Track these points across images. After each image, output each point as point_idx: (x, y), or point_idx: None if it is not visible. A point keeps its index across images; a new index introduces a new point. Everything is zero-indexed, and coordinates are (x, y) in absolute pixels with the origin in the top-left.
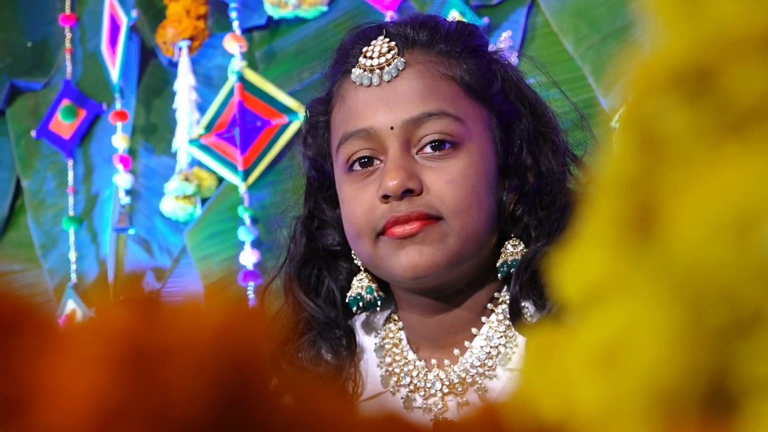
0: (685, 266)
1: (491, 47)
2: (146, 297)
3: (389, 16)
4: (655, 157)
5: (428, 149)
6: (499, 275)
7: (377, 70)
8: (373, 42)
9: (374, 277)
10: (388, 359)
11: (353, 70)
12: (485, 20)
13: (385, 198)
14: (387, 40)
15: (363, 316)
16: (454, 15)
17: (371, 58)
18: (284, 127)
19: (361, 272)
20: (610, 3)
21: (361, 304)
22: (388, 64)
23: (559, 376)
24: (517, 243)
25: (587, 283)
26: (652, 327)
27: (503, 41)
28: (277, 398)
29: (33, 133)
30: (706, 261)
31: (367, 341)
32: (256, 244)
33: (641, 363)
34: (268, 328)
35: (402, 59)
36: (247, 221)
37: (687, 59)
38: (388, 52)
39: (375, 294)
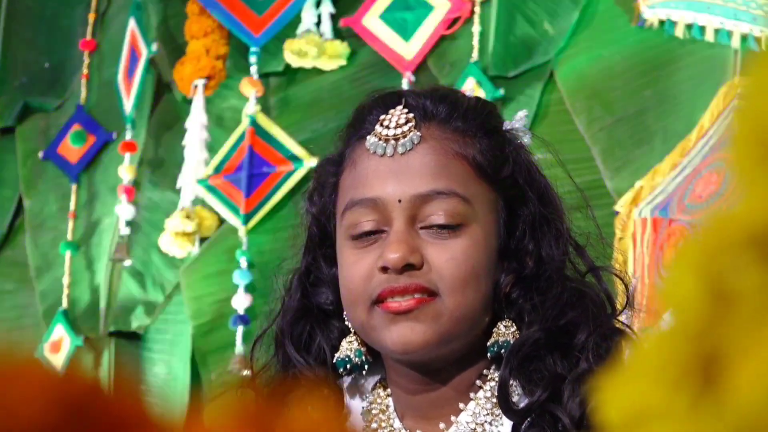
0: (746, 419)
1: (506, 125)
2: (259, 411)
3: (407, 76)
4: (726, 310)
5: (433, 226)
6: (488, 354)
7: (392, 141)
8: (392, 111)
9: (364, 341)
10: (374, 425)
11: (368, 137)
12: (501, 91)
13: (384, 269)
14: (405, 110)
15: (350, 378)
16: (470, 83)
17: (388, 127)
18: (289, 174)
19: (352, 334)
20: (626, 88)
21: (348, 366)
22: (404, 136)
23: None
24: (509, 324)
25: (630, 410)
26: None
27: (519, 120)
28: None
29: (40, 154)
30: (766, 419)
31: (353, 404)
32: (250, 288)
33: None
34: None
35: (418, 133)
36: (244, 265)
37: (766, 222)
38: (405, 123)
39: (363, 358)
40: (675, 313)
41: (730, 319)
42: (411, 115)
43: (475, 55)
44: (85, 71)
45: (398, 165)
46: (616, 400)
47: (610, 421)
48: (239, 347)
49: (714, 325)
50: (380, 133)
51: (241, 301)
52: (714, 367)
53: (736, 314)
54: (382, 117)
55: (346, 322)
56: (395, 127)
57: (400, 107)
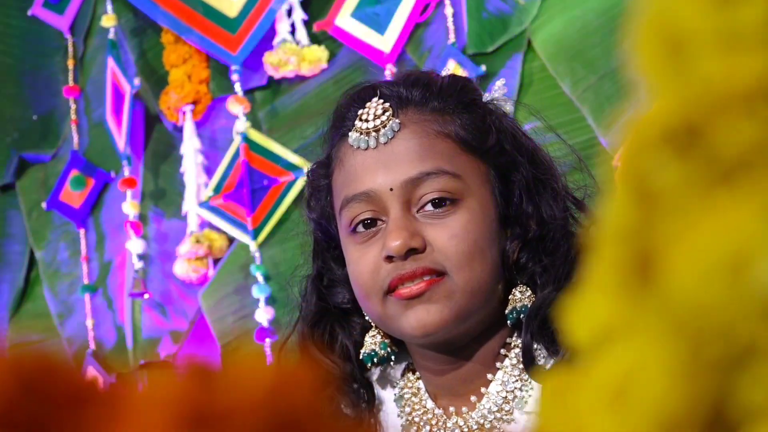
0: (683, 307)
1: (486, 97)
2: (200, 363)
3: (388, 69)
4: (651, 208)
5: (429, 207)
6: (508, 322)
7: (373, 133)
8: (368, 104)
9: (387, 333)
10: (407, 409)
11: (350, 133)
12: (482, 68)
13: (389, 258)
14: (381, 101)
15: (378, 371)
16: (451, 64)
17: (367, 120)
18: (291, 184)
19: (373, 328)
20: (604, 44)
21: (375, 359)
22: (384, 126)
23: (574, 416)
24: (524, 289)
25: (595, 326)
26: (656, 363)
27: (497, 90)
28: None
29: (44, 205)
30: (702, 301)
31: (384, 394)
32: (270, 301)
33: (648, 397)
34: (315, 382)
35: (397, 120)
36: (260, 279)
37: (676, 117)
38: (383, 113)
39: (389, 349)
40: (608, 220)
41: (657, 215)
42: (387, 104)
43: (451, 37)
44: (73, 117)
45: (384, 155)
46: (578, 321)
47: (580, 343)
48: (269, 360)
49: (643, 226)
50: (360, 127)
51: (263, 315)
52: (650, 264)
53: (661, 209)
54: (360, 112)
55: (366, 318)
56: (374, 119)
57: (376, 99)
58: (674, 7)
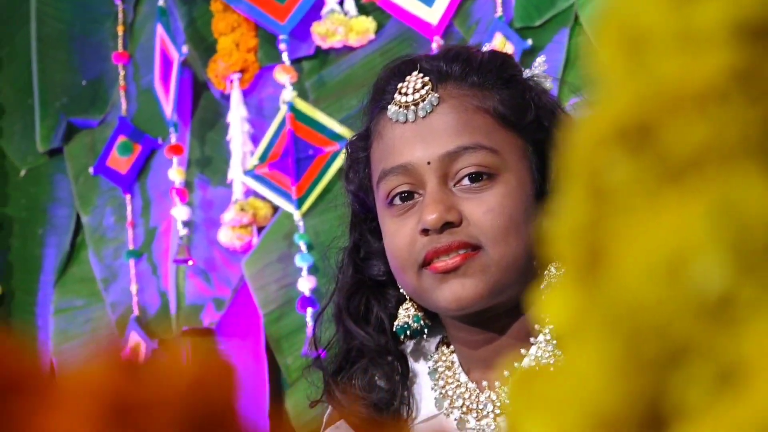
0: (622, 304)
1: (526, 73)
2: (124, 354)
3: (435, 41)
4: (602, 205)
5: (466, 181)
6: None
7: (412, 106)
8: (408, 78)
9: (420, 306)
10: (441, 382)
11: (389, 106)
12: (529, 42)
13: (425, 232)
14: (421, 75)
15: (412, 344)
16: (498, 38)
17: (406, 94)
18: (335, 154)
19: (408, 301)
20: None
21: (408, 332)
22: (423, 100)
23: (537, 409)
24: (560, 266)
25: (560, 320)
26: (594, 360)
27: (538, 66)
28: None
29: (91, 170)
30: (640, 299)
31: (418, 367)
32: (313, 270)
33: (584, 393)
34: (236, 381)
35: (436, 94)
36: (303, 248)
37: (629, 115)
38: (422, 87)
39: (422, 322)
40: (562, 216)
41: (607, 211)
42: (427, 78)
43: (499, 10)
44: (121, 83)
45: (422, 128)
46: (550, 311)
47: (554, 331)
48: (311, 329)
49: (594, 223)
50: (399, 100)
51: (305, 284)
52: (599, 261)
53: (611, 206)
54: (399, 85)
55: (402, 290)
56: (413, 93)
57: (416, 73)
58: (633, 5)
